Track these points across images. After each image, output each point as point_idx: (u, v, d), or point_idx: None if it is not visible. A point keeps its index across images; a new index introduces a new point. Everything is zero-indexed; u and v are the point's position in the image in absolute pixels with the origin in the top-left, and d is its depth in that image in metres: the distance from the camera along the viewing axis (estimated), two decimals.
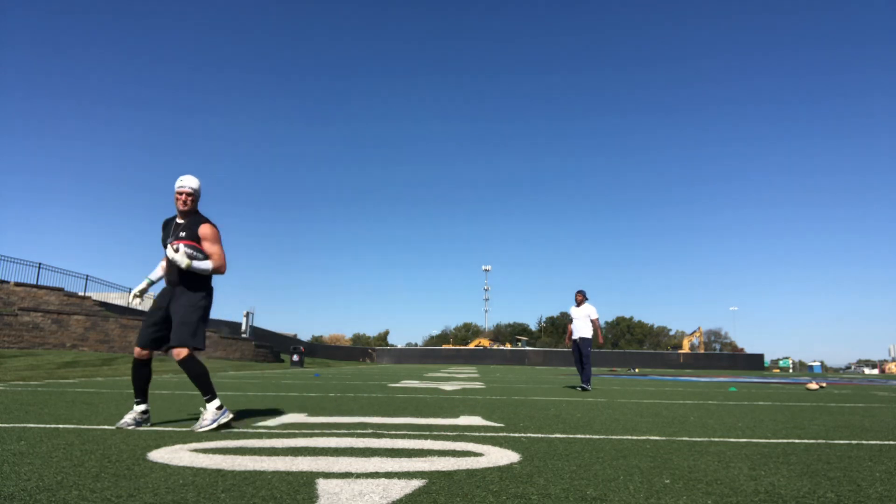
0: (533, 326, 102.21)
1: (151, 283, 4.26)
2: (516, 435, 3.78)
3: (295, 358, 28.13)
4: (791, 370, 75.57)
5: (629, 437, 3.78)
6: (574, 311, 10.67)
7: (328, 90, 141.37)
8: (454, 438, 3.57)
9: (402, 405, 5.98)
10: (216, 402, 3.86)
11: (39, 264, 24.11)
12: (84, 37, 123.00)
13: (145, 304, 32.43)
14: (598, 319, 10.59)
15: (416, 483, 2.30)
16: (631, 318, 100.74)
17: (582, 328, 10.49)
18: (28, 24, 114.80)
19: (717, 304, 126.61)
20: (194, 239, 4.04)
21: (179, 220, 4.13)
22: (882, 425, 4.91)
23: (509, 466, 2.69)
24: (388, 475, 2.44)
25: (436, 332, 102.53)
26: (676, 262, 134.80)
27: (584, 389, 9.80)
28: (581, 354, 10.38)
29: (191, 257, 3.97)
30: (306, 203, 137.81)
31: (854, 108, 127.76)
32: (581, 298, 10.60)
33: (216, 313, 46.84)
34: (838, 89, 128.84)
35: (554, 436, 3.79)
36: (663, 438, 3.76)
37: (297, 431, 3.78)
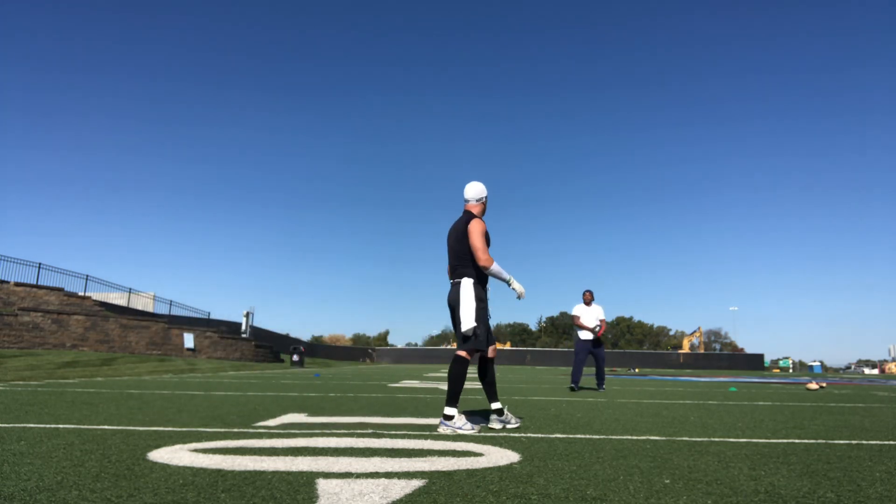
0: (533, 326, 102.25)
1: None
2: (516, 435, 3.78)
3: (295, 358, 28.13)
4: (791, 370, 75.54)
5: (629, 437, 3.78)
6: (584, 311, 10.56)
7: (329, 90, 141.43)
8: (454, 438, 3.57)
9: (402, 405, 5.98)
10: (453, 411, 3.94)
11: (39, 264, 24.12)
12: (85, 35, 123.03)
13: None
14: (605, 321, 10.61)
15: (416, 483, 2.30)
16: (631, 318, 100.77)
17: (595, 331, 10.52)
18: (28, 23, 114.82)
19: (717, 304, 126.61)
20: None
21: None
22: (882, 425, 4.91)
23: (509, 466, 2.69)
24: (388, 475, 2.44)
25: (436, 332, 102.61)
26: (676, 262, 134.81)
27: (599, 390, 9.91)
28: (595, 356, 10.45)
29: None
30: (306, 203, 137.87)
31: (854, 108, 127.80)
32: (591, 298, 10.53)
33: (216, 313, 46.85)
34: (838, 90, 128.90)
35: (554, 436, 3.79)
36: (663, 438, 3.76)
37: (297, 431, 3.78)
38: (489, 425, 4.11)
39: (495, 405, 4.17)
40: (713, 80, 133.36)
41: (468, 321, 4.01)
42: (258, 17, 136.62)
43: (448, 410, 3.88)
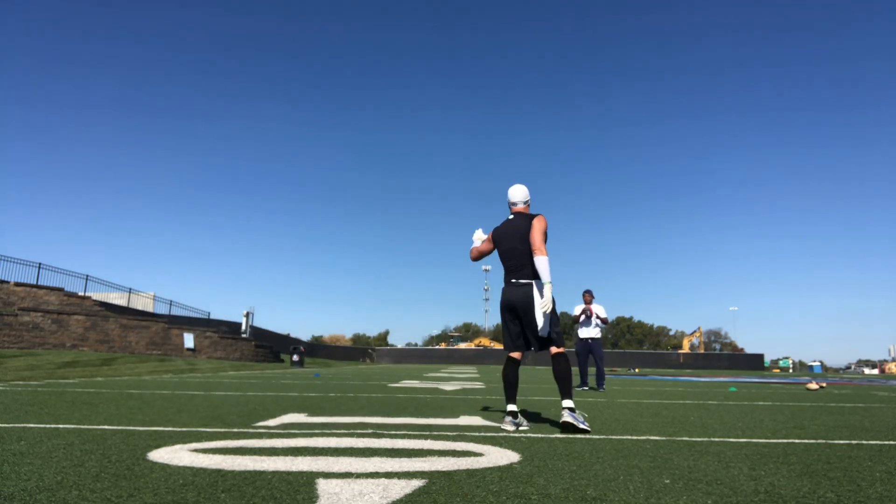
0: None
1: None
2: (516, 435, 3.78)
3: (295, 358, 28.11)
4: (791, 370, 75.50)
5: (629, 437, 3.78)
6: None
7: (330, 91, 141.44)
8: (454, 438, 3.57)
9: (402, 405, 5.98)
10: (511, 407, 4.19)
11: (39, 264, 24.12)
12: (85, 35, 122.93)
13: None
14: (606, 318, 10.76)
15: (416, 483, 2.30)
16: (631, 318, 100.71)
17: (592, 329, 10.63)
18: (28, 23, 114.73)
19: (717, 304, 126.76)
20: None
21: None
22: (882, 425, 4.91)
23: (509, 466, 2.69)
24: (388, 475, 2.44)
25: (436, 332, 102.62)
26: (676, 262, 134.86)
27: (600, 390, 9.94)
28: (594, 355, 10.62)
29: None
30: (306, 203, 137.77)
31: (854, 108, 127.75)
32: (590, 298, 10.71)
33: (216, 313, 46.82)
34: (838, 89, 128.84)
35: (554, 436, 3.79)
36: (663, 438, 3.76)
37: (297, 431, 3.78)
38: (502, 426, 4.11)
39: (512, 407, 4.19)
40: (713, 79, 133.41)
41: (545, 324, 4.13)
42: (258, 15, 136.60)
43: (571, 402, 4.00)
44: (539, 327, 4.12)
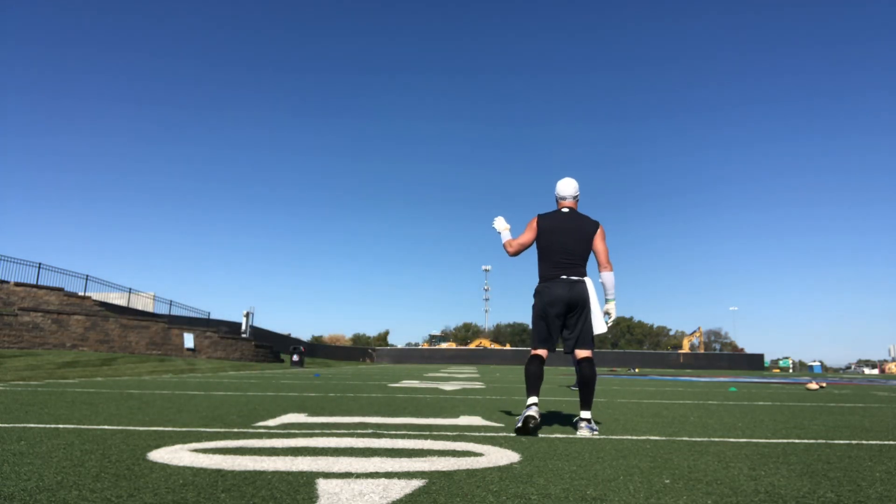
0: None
1: None
2: (516, 435, 3.78)
3: (295, 358, 28.11)
4: (791, 370, 75.56)
5: (629, 437, 3.78)
6: None
7: (330, 89, 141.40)
8: (454, 438, 3.57)
9: (402, 405, 5.98)
10: (529, 400, 3.96)
11: (39, 264, 24.12)
12: (84, 33, 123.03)
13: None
14: None
15: (416, 483, 2.30)
16: (631, 318, 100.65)
17: None
18: (27, 22, 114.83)
19: (717, 304, 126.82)
20: None
21: None
22: (882, 425, 4.92)
23: (509, 466, 2.69)
24: (388, 475, 2.44)
25: (436, 332, 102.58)
26: (676, 262, 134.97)
27: None
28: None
29: None
30: (306, 202, 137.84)
31: (854, 107, 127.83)
32: None
33: (216, 313, 46.84)
34: (838, 88, 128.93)
35: (554, 436, 3.79)
36: (663, 438, 3.76)
37: (297, 431, 3.78)
38: (526, 413, 3.86)
39: (535, 399, 4.01)
40: (713, 78, 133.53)
41: (603, 323, 4.15)
42: (258, 15, 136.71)
43: (589, 414, 4.00)
44: (594, 325, 4.12)
